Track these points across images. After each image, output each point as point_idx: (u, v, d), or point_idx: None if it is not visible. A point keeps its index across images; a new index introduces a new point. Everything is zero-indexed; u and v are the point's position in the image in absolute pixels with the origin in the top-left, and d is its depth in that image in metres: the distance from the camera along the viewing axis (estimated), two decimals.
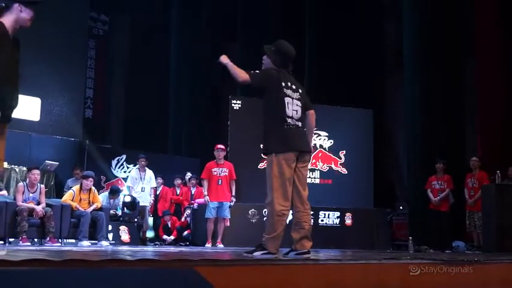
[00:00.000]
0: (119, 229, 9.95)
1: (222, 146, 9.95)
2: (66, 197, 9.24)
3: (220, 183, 9.64)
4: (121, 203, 10.30)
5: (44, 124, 12.69)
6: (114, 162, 13.03)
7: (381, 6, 14.51)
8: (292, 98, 4.66)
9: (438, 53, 12.05)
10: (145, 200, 10.65)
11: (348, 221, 11.09)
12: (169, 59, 16.53)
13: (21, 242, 8.12)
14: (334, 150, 11.71)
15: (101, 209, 9.32)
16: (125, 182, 11.65)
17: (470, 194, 9.97)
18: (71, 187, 9.77)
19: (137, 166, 11.03)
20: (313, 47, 14.20)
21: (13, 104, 3.80)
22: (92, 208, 9.12)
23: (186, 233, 10.88)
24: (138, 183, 10.64)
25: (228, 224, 9.75)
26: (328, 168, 11.65)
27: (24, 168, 10.11)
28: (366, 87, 13.06)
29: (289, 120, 4.60)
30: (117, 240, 9.74)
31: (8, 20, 3.81)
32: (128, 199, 10.27)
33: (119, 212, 10.21)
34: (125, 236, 9.94)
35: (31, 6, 3.87)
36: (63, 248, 7.46)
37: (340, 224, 11.07)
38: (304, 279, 3.26)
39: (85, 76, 15.05)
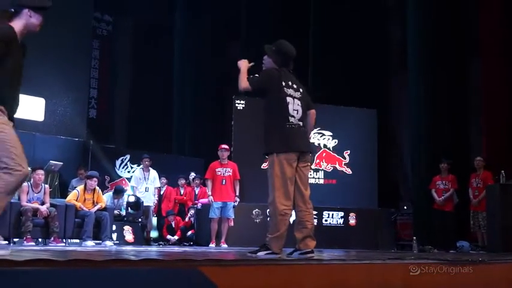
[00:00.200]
0: (123, 229, 9.96)
1: (226, 146, 9.95)
2: (71, 197, 9.26)
3: (224, 183, 9.65)
4: (125, 203, 10.31)
5: (48, 124, 12.70)
6: (118, 162, 13.04)
7: (385, 6, 14.49)
8: (294, 98, 4.66)
9: (443, 52, 12.04)
10: (149, 200, 10.66)
11: (352, 221, 11.08)
12: (173, 59, 16.52)
13: (25, 242, 8.14)
14: (338, 150, 11.70)
15: (105, 209, 9.34)
16: (129, 182, 11.66)
17: (474, 194, 9.95)
18: (75, 187, 9.80)
19: (141, 166, 11.04)
20: (318, 47, 14.21)
21: (14, 108, 3.84)
22: (96, 208, 9.15)
23: (190, 233, 10.88)
24: (142, 183, 10.65)
25: (232, 224, 9.76)
26: (332, 168, 11.65)
27: (29, 169, 10.10)
28: (370, 87, 13.05)
29: (291, 119, 4.60)
30: (121, 240, 9.76)
31: (17, 25, 3.83)
32: (132, 199, 10.28)
33: (123, 212, 10.22)
34: (129, 236, 9.94)
35: (40, 12, 3.88)
36: (67, 248, 7.47)
37: (344, 224, 11.06)
38: (308, 279, 3.26)
39: (89, 76, 15.04)
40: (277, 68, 4.73)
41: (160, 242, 10.82)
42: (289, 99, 4.62)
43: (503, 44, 11.64)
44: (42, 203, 8.60)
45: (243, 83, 4.67)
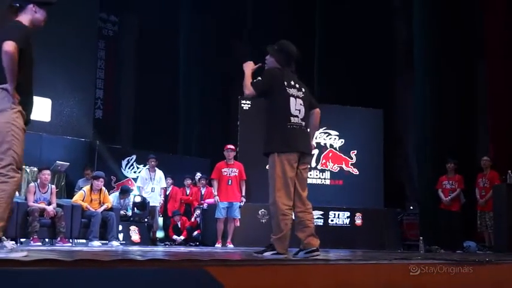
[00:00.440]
0: (129, 229, 9.98)
1: (231, 146, 9.96)
2: (77, 197, 9.29)
3: (230, 183, 9.65)
4: (131, 203, 10.32)
5: (55, 125, 12.75)
6: (124, 163, 13.07)
7: (391, 6, 14.47)
8: (296, 97, 4.65)
9: (449, 52, 12.01)
10: (155, 200, 10.67)
11: (358, 221, 11.06)
12: (179, 59, 16.54)
13: (32, 242, 8.17)
14: (344, 150, 11.68)
15: (111, 209, 9.37)
16: (135, 182, 11.69)
17: (481, 193, 9.92)
18: (82, 187, 9.83)
19: (147, 166, 11.05)
20: (323, 47, 14.20)
21: (30, 111, 3.88)
22: (102, 208, 9.17)
23: (196, 233, 10.89)
24: (148, 184, 10.67)
25: (238, 224, 9.76)
26: (338, 168, 11.62)
27: (35, 169, 10.15)
28: (376, 87, 13.02)
29: (293, 119, 4.58)
30: (128, 240, 9.77)
31: (24, 20, 3.84)
32: (138, 199, 10.29)
33: (129, 212, 10.24)
34: (135, 236, 9.96)
35: (45, 7, 3.90)
36: (73, 248, 7.49)
37: (350, 224, 11.04)
38: (314, 280, 3.26)
39: (95, 77, 15.06)
40: (279, 68, 4.72)
41: (167, 242, 10.84)
42: (291, 98, 4.61)
43: (508, 46, 11.60)
44: (49, 203, 8.62)
45: (247, 89, 4.60)
